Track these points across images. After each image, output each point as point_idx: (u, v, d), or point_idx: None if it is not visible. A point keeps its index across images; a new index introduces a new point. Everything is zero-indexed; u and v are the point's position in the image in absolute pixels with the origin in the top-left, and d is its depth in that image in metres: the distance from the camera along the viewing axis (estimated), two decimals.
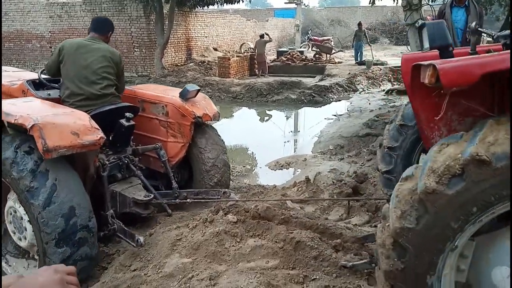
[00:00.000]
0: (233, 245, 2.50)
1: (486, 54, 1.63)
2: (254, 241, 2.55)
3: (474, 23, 2.16)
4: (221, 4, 14.47)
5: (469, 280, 1.55)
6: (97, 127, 2.58)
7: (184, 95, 3.49)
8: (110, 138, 3.16)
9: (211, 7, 15.65)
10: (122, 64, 3.43)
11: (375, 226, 3.19)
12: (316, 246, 2.50)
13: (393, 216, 1.47)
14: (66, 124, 2.48)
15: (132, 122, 3.14)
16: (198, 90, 3.61)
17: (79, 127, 2.48)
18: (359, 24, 16.21)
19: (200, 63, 14.72)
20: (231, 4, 14.63)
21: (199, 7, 14.96)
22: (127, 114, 3.11)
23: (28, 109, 2.54)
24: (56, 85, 3.39)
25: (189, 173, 3.80)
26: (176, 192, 3.31)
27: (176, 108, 3.46)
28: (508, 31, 2.09)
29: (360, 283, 2.23)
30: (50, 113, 2.54)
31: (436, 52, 2.33)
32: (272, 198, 3.77)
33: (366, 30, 16.45)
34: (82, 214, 2.43)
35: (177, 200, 3.21)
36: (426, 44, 2.33)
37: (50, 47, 14.44)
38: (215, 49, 16.91)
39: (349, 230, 2.95)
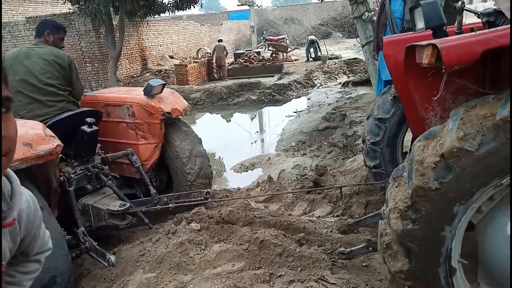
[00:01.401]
0: (197, 253, 2.49)
1: (485, 31, 1.59)
2: (219, 246, 2.56)
3: (460, 2, 2.13)
4: (172, 12, 14.31)
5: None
6: (53, 135, 2.37)
7: (148, 92, 3.29)
8: (73, 149, 2.95)
9: (164, 14, 15.45)
10: (72, 66, 3.16)
11: (337, 216, 3.30)
12: (280, 243, 2.55)
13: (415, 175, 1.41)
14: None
15: (94, 128, 2.94)
16: (164, 85, 3.41)
17: (31, 136, 2.25)
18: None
19: (157, 73, 14.50)
20: (182, 10, 14.50)
21: (150, 16, 14.72)
22: (88, 120, 2.90)
23: None
24: None
25: (168, 176, 3.63)
26: (155, 198, 3.13)
27: (142, 107, 3.27)
28: (491, 9, 2.12)
29: (324, 273, 2.29)
30: None
31: (420, 33, 2.32)
32: (248, 197, 3.77)
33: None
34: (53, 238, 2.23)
35: (157, 206, 3.05)
36: (420, 25, 2.27)
37: None
38: (171, 57, 16.70)
39: (312, 223, 3.02)
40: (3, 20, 13.69)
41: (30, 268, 1.03)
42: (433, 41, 1.45)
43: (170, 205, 3.04)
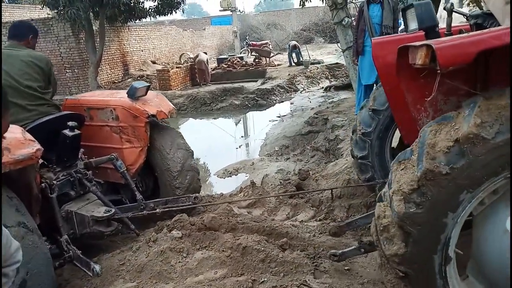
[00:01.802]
0: (179, 261, 2.46)
1: (477, 32, 1.60)
2: (201, 254, 2.54)
3: (450, 3, 2.17)
4: (153, 17, 14.20)
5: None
6: (32, 139, 2.28)
7: (132, 94, 3.21)
8: (55, 154, 2.86)
9: (145, 20, 15.32)
10: (50, 67, 3.07)
11: (320, 220, 3.31)
12: (263, 248, 2.54)
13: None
14: None
15: (77, 132, 2.85)
16: (148, 87, 3.33)
17: (9, 141, 2.16)
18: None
19: (138, 78, 14.33)
20: (164, 15, 14.44)
21: (131, 21, 14.58)
22: (70, 123, 2.80)
23: None
24: None
25: (154, 181, 3.55)
26: (141, 204, 3.04)
27: (126, 110, 3.18)
28: (479, 11, 2.17)
29: (307, 278, 2.30)
30: None
31: (411, 34, 2.33)
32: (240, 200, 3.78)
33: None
34: (34, 245, 2.06)
35: (144, 212, 2.96)
36: (413, 26, 2.28)
37: None
38: (154, 62, 16.57)
39: (295, 227, 3.03)
40: None
41: None
42: (428, 42, 1.45)
43: (157, 210, 2.96)
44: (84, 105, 3.33)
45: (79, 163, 3.01)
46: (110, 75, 14.10)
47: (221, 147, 7.84)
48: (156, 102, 3.33)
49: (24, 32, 3.05)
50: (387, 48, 2.56)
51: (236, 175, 5.68)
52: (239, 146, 7.86)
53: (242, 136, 8.90)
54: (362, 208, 3.36)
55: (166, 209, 3.01)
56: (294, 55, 15.82)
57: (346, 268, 2.48)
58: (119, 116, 3.22)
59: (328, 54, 18.76)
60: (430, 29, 2.15)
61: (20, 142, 2.18)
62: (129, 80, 14.24)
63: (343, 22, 6.76)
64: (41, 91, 2.93)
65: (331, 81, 13.15)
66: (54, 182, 2.70)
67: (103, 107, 3.28)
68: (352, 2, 8.61)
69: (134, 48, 15.86)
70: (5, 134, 2.13)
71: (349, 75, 7.61)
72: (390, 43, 2.62)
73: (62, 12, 11.29)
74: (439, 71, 1.39)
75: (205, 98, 11.56)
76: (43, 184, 2.59)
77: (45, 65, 3.00)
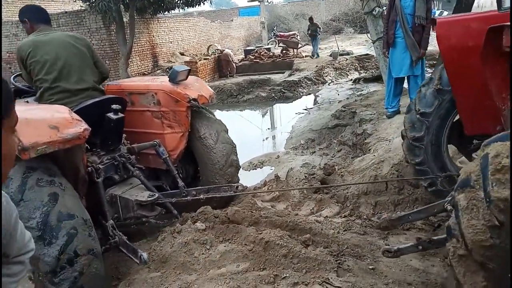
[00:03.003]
0: (202, 253, 2.49)
1: None
2: (224, 246, 2.56)
3: None
4: (182, 8, 14.31)
5: None
6: (79, 119, 2.26)
7: (173, 78, 3.16)
8: (99, 137, 2.84)
9: (174, 11, 15.47)
10: (92, 49, 3.03)
11: (345, 217, 3.26)
12: (285, 244, 2.53)
13: None
14: (42, 118, 2.13)
15: (121, 115, 2.81)
16: (189, 71, 3.29)
17: (58, 120, 2.15)
18: (310, 19, 16.32)
19: (167, 69, 14.53)
20: (192, 7, 14.49)
21: (160, 13, 14.76)
22: (114, 106, 2.76)
23: None
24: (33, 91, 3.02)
25: (194, 168, 3.53)
26: (183, 191, 2.99)
27: (168, 94, 3.14)
28: None
29: (329, 275, 2.27)
30: (22, 109, 2.18)
31: (481, 14, 2.18)
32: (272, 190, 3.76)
33: (318, 24, 16.46)
34: (67, 201, 2.07)
35: (188, 197, 2.92)
36: (508, 3, 2.06)
37: (10, 68, 13.93)
38: (182, 54, 16.74)
39: (319, 223, 2.99)
40: (14, 19, 13.88)
41: (13, 270, 1.02)
42: None
43: (201, 196, 2.92)
44: (126, 90, 3.30)
45: (122, 147, 2.99)
46: (140, 67, 14.39)
47: (246, 139, 7.85)
48: (197, 87, 3.30)
49: (48, 17, 2.99)
50: (454, 28, 2.41)
51: (261, 168, 5.67)
52: (266, 138, 7.83)
53: (268, 129, 8.86)
54: (389, 205, 3.28)
55: (209, 196, 2.96)
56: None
57: (370, 267, 2.43)
58: (161, 101, 3.18)
59: (358, 45, 18.29)
60: None
61: (68, 121, 2.19)
62: (158, 71, 14.49)
63: (373, 12, 6.56)
64: (88, 73, 2.91)
65: (361, 72, 12.84)
66: (100, 166, 2.70)
67: (144, 91, 3.25)
68: None
69: (163, 40, 16.08)
70: (53, 114, 2.21)
71: (379, 66, 7.39)
72: (458, 22, 2.45)
73: (93, 5, 11.58)
74: None
75: (232, 90, 11.59)
76: (89, 168, 2.59)
77: (88, 44, 2.98)
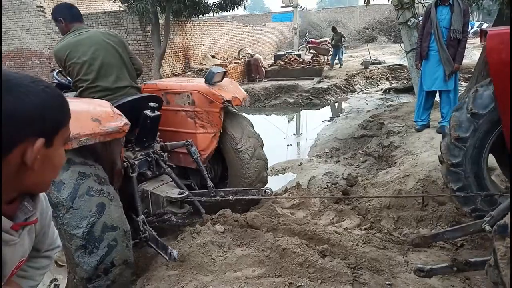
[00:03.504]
0: (219, 255, 2.53)
1: None
2: (241, 250, 2.59)
3: None
4: (216, 12, 14.57)
5: None
6: (120, 113, 2.31)
7: (210, 79, 3.22)
8: (136, 134, 2.90)
9: (208, 15, 15.78)
10: (125, 42, 3.05)
11: (365, 229, 3.21)
12: (302, 252, 2.53)
13: None
14: (86, 110, 2.18)
15: (157, 113, 2.87)
16: (225, 73, 3.34)
17: (100, 113, 2.19)
18: (333, 29, 15.70)
19: (198, 72, 14.82)
20: (226, 11, 14.72)
21: (195, 16, 15.09)
22: (152, 104, 2.81)
23: None
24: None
25: (222, 169, 3.59)
26: (212, 191, 3.05)
27: (203, 95, 3.20)
28: None
29: None
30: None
31: None
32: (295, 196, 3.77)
33: (343, 33, 15.89)
34: (113, 212, 2.13)
35: (217, 198, 2.98)
36: None
37: (50, 63, 14.65)
38: (213, 57, 17.01)
39: (338, 234, 2.97)
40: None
41: (41, 263, 1.10)
42: None
43: (230, 197, 2.97)
44: (162, 90, 3.37)
45: (156, 145, 3.04)
46: (172, 68, 14.74)
47: (270, 144, 7.82)
48: (231, 89, 3.35)
49: (80, 13, 3.02)
50: (506, 41, 2.30)
51: (283, 174, 5.68)
52: (290, 144, 7.83)
53: (293, 134, 8.86)
54: (411, 221, 3.21)
55: (239, 198, 3.00)
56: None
57: (387, 282, 2.39)
58: (196, 101, 3.24)
59: (391, 54, 17.95)
60: None
61: (110, 115, 2.23)
62: (189, 73, 14.79)
63: (408, 23, 6.45)
64: (125, 70, 2.95)
65: (392, 83, 12.59)
66: (135, 162, 2.75)
67: (180, 91, 3.31)
68: (420, 2, 8.16)
69: (196, 42, 16.40)
70: (95, 107, 2.26)
71: (411, 78, 7.24)
72: (510, 35, 2.32)
73: (132, 6, 12.00)
74: None
75: (259, 94, 11.66)
76: (125, 163, 2.66)
77: (122, 42, 3.02)
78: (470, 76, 8.09)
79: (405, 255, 2.73)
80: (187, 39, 15.79)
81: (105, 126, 2.16)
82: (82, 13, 3.13)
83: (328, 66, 15.26)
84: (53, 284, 2.45)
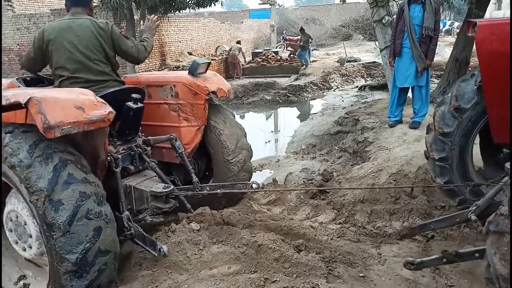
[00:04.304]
0: (195, 253, 2.51)
1: None
2: (217, 248, 2.58)
3: None
4: (192, 8, 14.41)
5: None
6: (104, 102, 2.20)
7: (193, 70, 3.14)
8: (117, 127, 2.79)
9: (185, 11, 15.58)
10: (116, 33, 2.87)
11: (340, 223, 3.27)
12: (278, 248, 2.55)
13: None
14: (69, 98, 2.08)
15: (140, 105, 2.78)
16: (209, 64, 3.27)
17: (83, 101, 2.09)
18: (301, 29, 15.64)
19: (174, 68, 14.62)
20: (203, 7, 14.59)
21: (171, 12, 14.87)
22: (134, 95, 2.73)
23: (23, 90, 2.21)
24: (50, 79, 2.96)
25: (207, 164, 3.54)
26: (197, 186, 2.98)
27: (187, 86, 3.12)
28: None
29: (319, 281, 2.28)
30: (47, 90, 2.16)
31: None
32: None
33: (310, 34, 15.61)
34: (108, 236, 2.04)
35: (204, 191, 2.91)
36: None
37: (19, 60, 14.11)
38: (190, 53, 16.82)
39: (313, 229, 3.00)
40: (29, 12, 14.10)
41: None
42: None
43: (218, 191, 2.91)
44: (143, 83, 3.27)
45: (138, 139, 2.96)
46: (147, 65, 14.48)
47: (248, 141, 7.89)
48: (216, 80, 3.30)
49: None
50: (497, 32, 2.34)
51: (260, 171, 5.69)
52: (268, 141, 7.86)
53: (271, 132, 8.90)
54: (384, 214, 3.28)
55: (227, 191, 2.95)
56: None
57: (361, 275, 2.44)
58: (179, 93, 3.17)
59: (366, 52, 18.28)
60: None
61: (93, 103, 2.13)
62: (166, 70, 14.58)
63: (383, 21, 6.57)
64: (108, 63, 2.85)
65: (367, 80, 12.83)
66: (119, 156, 2.65)
67: (163, 84, 3.23)
68: (394, 1, 8.34)
69: (172, 39, 16.17)
70: (78, 95, 2.13)
71: (386, 75, 7.39)
72: (501, 26, 2.36)
73: (105, 1, 11.70)
74: None
75: (237, 91, 11.63)
76: (108, 157, 2.55)
77: (111, 32, 2.84)
78: (442, 73, 8.35)
79: (378, 247, 2.79)
80: (163, 35, 15.55)
81: (89, 114, 2.04)
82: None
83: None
84: (21, 282, 2.37)
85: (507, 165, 1.92)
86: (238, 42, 15.02)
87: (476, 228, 2.78)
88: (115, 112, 2.22)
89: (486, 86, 2.39)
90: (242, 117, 10.56)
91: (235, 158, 3.30)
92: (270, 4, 23.19)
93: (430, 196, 3.29)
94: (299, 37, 20.02)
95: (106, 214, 2.08)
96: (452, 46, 7.55)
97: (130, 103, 2.72)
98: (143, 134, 3.11)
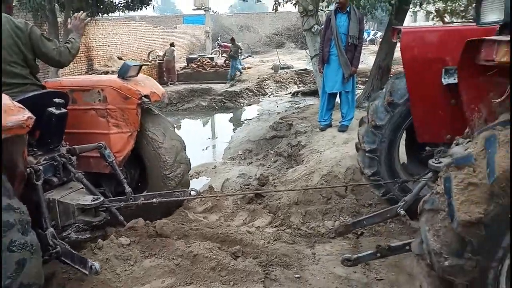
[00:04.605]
0: (125, 270, 2.37)
1: None
2: (149, 262, 2.46)
3: None
4: (122, 12, 13.82)
5: None
6: (22, 106, 1.97)
7: (124, 73, 2.97)
8: (38, 136, 2.54)
9: (115, 14, 14.89)
10: (35, 34, 2.59)
11: (276, 226, 3.31)
12: (214, 256, 2.50)
13: None
14: None
15: (63, 110, 2.55)
16: (140, 67, 3.11)
17: None
18: (232, 40, 15.58)
19: (103, 74, 13.88)
20: (134, 11, 14.07)
21: (98, 15, 14.10)
22: (57, 100, 2.50)
23: None
24: None
25: (140, 174, 3.33)
26: (130, 197, 2.79)
27: (116, 90, 2.93)
28: None
29: (256, 286, 2.28)
30: None
31: (446, 27, 2.19)
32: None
33: (240, 45, 15.43)
34: (32, 269, 1.81)
35: (139, 201, 2.70)
36: (489, 18, 1.97)
37: None
38: (120, 58, 16.08)
39: (250, 234, 3.00)
40: None
41: None
42: None
43: (154, 200, 2.72)
44: (67, 87, 2.99)
45: (62, 148, 2.70)
46: (72, 70, 13.53)
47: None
48: (148, 84, 3.13)
49: None
50: (418, 39, 2.51)
51: (197, 178, 5.58)
52: (206, 148, 7.77)
53: (208, 138, 8.81)
54: (317, 214, 3.39)
55: (164, 200, 2.78)
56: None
57: (296, 276, 2.49)
58: (108, 98, 2.97)
59: (298, 59, 19.01)
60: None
61: (10, 108, 1.89)
62: (93, 75, 13.77)
63: (312, 30, 6.86)
64: (24, 68, 2.59)
65: (299, 86, 13.34)
66: (40, 168, 2.38)
67: (89, 88, 3.01)
68: (322, 10, 8.77)
69: (100, 43, 15.34)
70: None
71: (316, 81, 7.73)
72: (422, 34, 2.55)
73: (24, 1, 10.73)
74: None
75: (172, 98, 11.36)
76: (28, 169, 2.28)
77: (28, 33, 2.56)
78: (366, 79, 8.95)
79: (312, 247, 2.87)
80: (90, 39, 14.68)
81: (5, 120, 1.83)
82: None
83: (243, 69, 15.46)
84: None
85: (431, 161, 2.10)
86: (172, 45, 14.65)
87: (404, 222, 3.00)
88: (34, 117, 1.99)
89: (410, 88, 2.58)
90: (178, 127, 10.33)
91: (173, 172, 3.19)
92: (204, 10, 23.10)
93: (358, 195, 3.48)
94: None
95: (31, 244, 1.85)
96: (376, 55, 8.13)
97: (52, 109, 2.50)
98: (67, 143, 2.85)
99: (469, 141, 1.76)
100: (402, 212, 2.36)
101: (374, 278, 2.49)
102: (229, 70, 14.38)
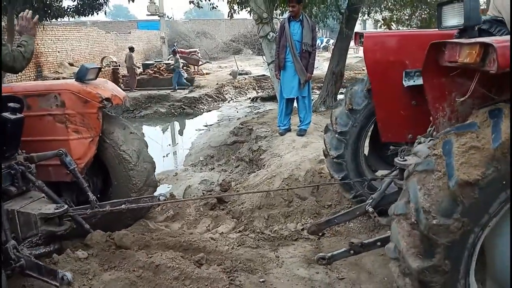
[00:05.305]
0: (84, 284, 2.26)
1: None
2: (109, 275, 2.36)
3: None
4: (72, 17, 13.24)
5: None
6: None
7: (82, 76, 2.86)
8: None
9: (64, 19, 14.20)
10: None
11: (240, 231, 3.31)
12: (177, 265, 2.45)
13: None
14: None
15: (20, 115, 2.42)
16: (99, 70, 3.02)
17: None
18: (174, 52, 14.91)
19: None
20: (84, 16, 13.53)
21: (46, 20, 13.40)
22: (12, 105, 2.36)
23: None
24: None
25: (103, 181, 3.20)
26: (95, 205, 2.67)
27: (75, 94, 2.81)
28: (487, 17, 2.17)
29: None
30: None
31: (405, 32, 2.26)
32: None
33: (179, 57, 14.30)
34: None
35: (107, 208, 2.59)
36: (450, 22, 2.09)
37: None
38: (71, 64, 15.39)
39: (214, 240, 2.98)
40: None
41: None
42: (483, 40, 1.39)
43: (123, 206, 2.62)
44: (20, 92, 2.81)
45: (19, 156, 2.55)
46: (20, 77, 12.73)
47: None
48: (108, 87, 3.03)
49: None
50: (380, 43, 2.61)
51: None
52: (167, 155, 7.62)
53: (168, 145, 8.64)
54: (280, 217, 3.44)
55: (132, 207, 2.69)
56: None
57: (261, 280, 2.50)
58: (66, 102, 2.84)
59: (256, 65, 19.22)
60: (470, 28, 1.99)
61: None
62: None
63: (268, 37, 6.97)
64: None
65: (258, 92, 13.47)
66: None
67: (44, 92, 2.87)
68: (277, 18, 8.95)
69: (49, 49, 14.60)
70: None
71: (274, 87, 7.86)
72: (383, 38, 2.65)
73: None
74: (493, 71, 1.33)
75: (128, 104, 11.04)
76: None
77: None
78: (321, 85, 9.24)
79: (275, 250, 2.90)
80: (38, 45, 13.90)
81: None
82: None
83: (202, 75, 15.31)
84: None
85: (397, 159, 2.20)
86: (131, 49, 14.17)
87: (373, 219, 3.12)
88: None
89: (374, 89, 2.69)
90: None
91: (138, 171, 3.08)
92: (158, 16, 22.71)
93: (319, 196, 3.57)
94: (192, 49, 20.11)
95: None
96: (329, 61, 8.42)
97: (6, 114, 2.36)
98: (23, 151, 2.69)
99: (431, 139, 1.87)
100: (371, 209, 2.45)
101: (336, 277, 2.56)
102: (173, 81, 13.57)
